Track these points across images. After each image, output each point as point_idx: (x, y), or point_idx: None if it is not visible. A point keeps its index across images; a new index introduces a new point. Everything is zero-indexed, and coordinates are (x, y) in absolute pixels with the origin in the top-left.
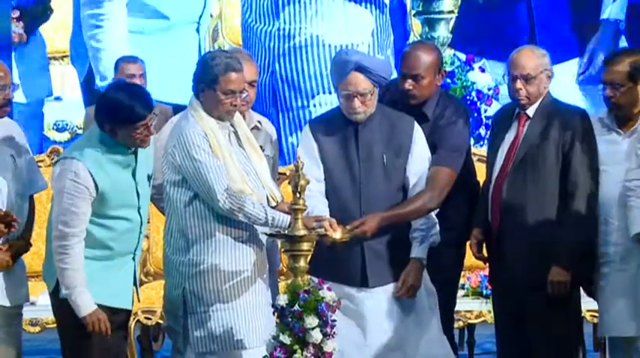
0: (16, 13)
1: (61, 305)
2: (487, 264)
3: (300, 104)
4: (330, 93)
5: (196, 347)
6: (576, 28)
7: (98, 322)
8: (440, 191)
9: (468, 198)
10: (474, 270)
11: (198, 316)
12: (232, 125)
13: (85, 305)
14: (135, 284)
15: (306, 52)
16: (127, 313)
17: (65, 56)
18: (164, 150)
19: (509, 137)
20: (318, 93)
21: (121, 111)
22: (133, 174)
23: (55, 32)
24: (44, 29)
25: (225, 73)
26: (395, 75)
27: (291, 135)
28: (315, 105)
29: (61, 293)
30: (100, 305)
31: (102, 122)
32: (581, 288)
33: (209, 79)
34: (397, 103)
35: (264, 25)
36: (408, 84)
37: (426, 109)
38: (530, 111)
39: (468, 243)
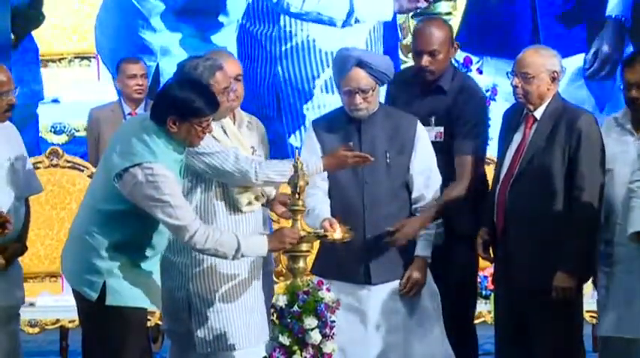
0: None
1: (106, 314)
2: (492, 264)
3: (302, 105)
4: (332, 93)
5: (201, 347)
6: (580, 25)
7: (285, 242)
8: (469, 179)
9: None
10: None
11: (202, 317)
12: (223, 125)
13: (260, 244)
14: None
15: (308, 54)
16: None
17: (62, 58)
18: None
19: (517, 138)
20: (321, 93)
21: (190, 105)
22: (180, 171)
23: (52, 34)
24: (42, 31)
25: (213, 75)
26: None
27: (294, 134)
28: (319, 107)
29: (107, 301)
30: (140, 308)
31: (163, 115)
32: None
33: None
34: (409, 84)
35: (264, 28)
36: (425, 60)
37: (442, 83)
38: (538, 113)
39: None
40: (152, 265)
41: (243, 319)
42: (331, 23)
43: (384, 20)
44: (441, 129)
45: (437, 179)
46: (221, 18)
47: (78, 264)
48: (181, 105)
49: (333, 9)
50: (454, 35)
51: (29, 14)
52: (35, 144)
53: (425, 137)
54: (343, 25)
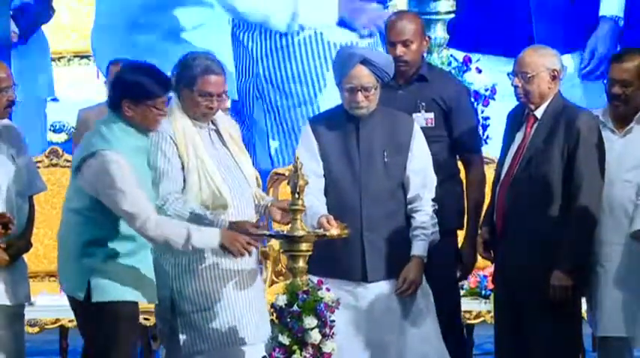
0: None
1: (94, 311)
2: (493, 264)
3: (285, 104)
4: (319, 90)
5: (186, 347)
6: (575, 23)
7: (237, 243)
8: (482, 176)
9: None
10: (473, 270)
11: (186, 316)
12: (214, 124)
13: (212, 237)
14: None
15: (288, 53)
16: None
17: (61, 57)
18: None
19: (518, 138)
20: (303, 93)
21: (142, 87)
22: (148, 162)
23: (52, 33)
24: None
25: (203, 74)
26: None
27: (278, 134)
28: (300, 105)
29: (93, 299)
30: (131, 302)
31: (119, 101)
32: None
33: (188, 79)
34: (392, 85)
35: (247, 28)
36: (400, 50)
37: (422, 72)
38: (539, 112)
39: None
40: (140, 258)
41: (233, 317)
42: (275, 27)
43: (328, 24)
44: (432, 115)
45: (433, 179)
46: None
47: (63, 267)
48: (133, 88)
49: (278, 12)
50: (447, 33)
51: (38, 9)
52: (43, 143)
53: (421, 137)
54: (288, 30)
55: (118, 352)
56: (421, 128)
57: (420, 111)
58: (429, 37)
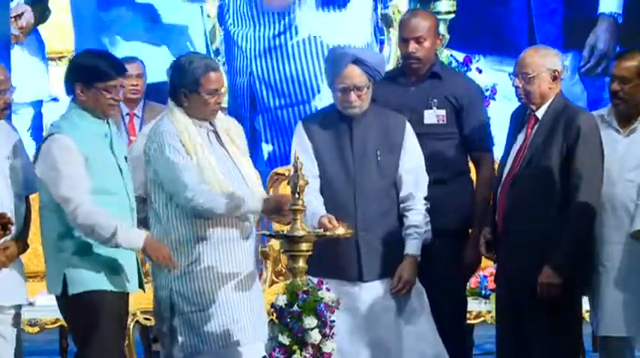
0: (23, 9)
1: (72, 304)
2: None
3: (277, 104)
4: (313, 95)
5: (184, 347)
6: (575, 22)
7: (157, 252)
8: (492, 175)
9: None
10: None
11: (185, 316)
12: (212, 124)
13: (136, 239)
14: (139, 270)
15: (281, 53)
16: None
17: (62, 57)
18: (143, 152)
19: (520, 139)
20: (295, 93)
21: (93, 69)
22: (112, 148)
23: (51, 33)
24: (40, 30)
25: (205, 73)
26: None
27: (271, 134)
28: (293, 105)
29: (69, 291)
30: (107, 291)
31: (72, 85)
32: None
33: (191, 82)
34: (399, 77)
35: (241, 27)
36: (412, 47)
37: (435, 69)
38: (540, 112)
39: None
40: (117, 250)
41: (231, 318)
42: None
43: None
44: (443, 112)
45: (425, 178)
46: None
47: (46, 265)
48: (85, 71)
49: None
50: (447, 32)
51: (35, 9)
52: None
53: (413, 136)
54: None
55: (97, 342)
56: (432, 125)
57: (431, 108)
58: (442, 36)
